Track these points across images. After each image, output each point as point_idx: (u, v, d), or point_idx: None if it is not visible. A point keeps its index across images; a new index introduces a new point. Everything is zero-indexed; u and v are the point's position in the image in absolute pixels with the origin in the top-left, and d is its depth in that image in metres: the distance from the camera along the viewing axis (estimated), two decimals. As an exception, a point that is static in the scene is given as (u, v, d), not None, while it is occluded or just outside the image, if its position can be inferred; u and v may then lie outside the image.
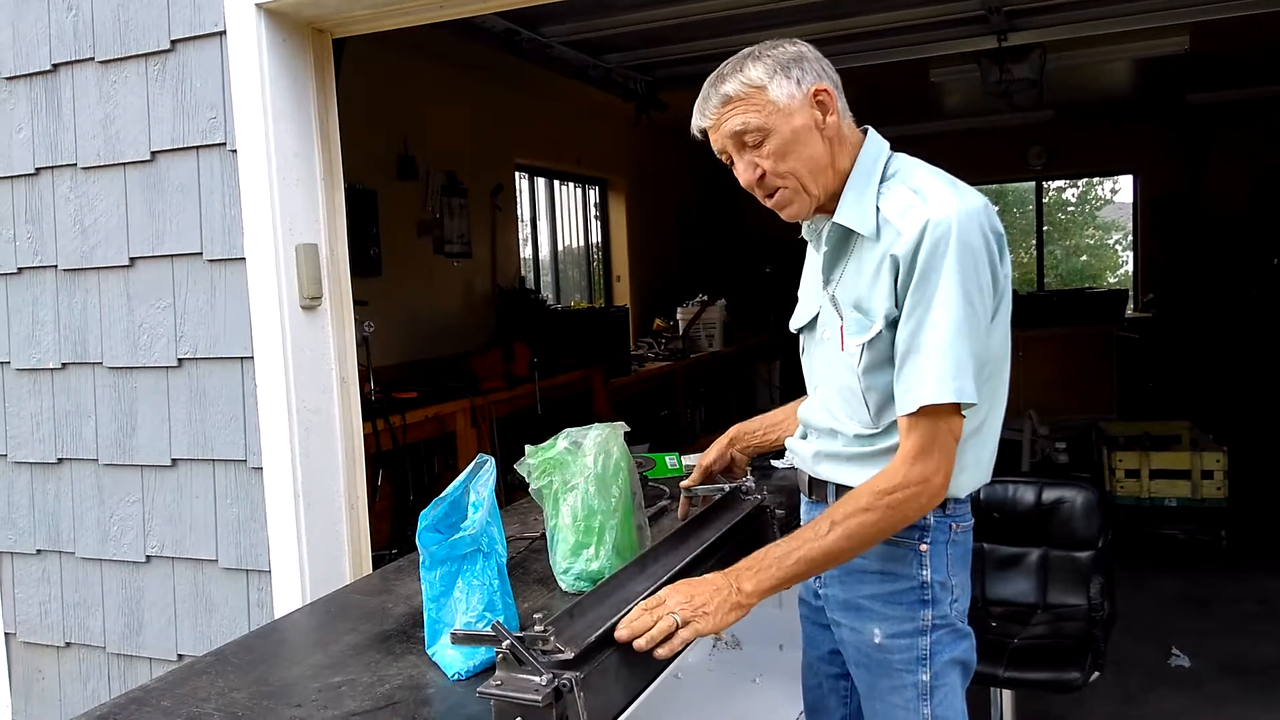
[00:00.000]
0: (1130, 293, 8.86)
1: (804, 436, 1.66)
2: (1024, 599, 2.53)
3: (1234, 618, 4.04)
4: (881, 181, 1.48)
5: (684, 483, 1.85)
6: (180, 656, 2.42)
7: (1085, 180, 14.71)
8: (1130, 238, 10.72)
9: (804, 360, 1.69)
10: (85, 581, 2.55)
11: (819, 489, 1.61)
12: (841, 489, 1.54)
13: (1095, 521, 2.44)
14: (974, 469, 1.51)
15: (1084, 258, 15.81)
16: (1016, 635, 2.38)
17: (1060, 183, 13.59)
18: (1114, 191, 15.41)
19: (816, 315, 1.61)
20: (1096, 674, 2.22)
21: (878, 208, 1.45)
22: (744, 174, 1.50)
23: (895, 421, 1.46)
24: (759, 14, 4.19)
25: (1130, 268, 10.39)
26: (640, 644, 1.26)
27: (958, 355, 1.36)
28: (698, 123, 1.52)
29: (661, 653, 1.27)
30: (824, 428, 1.58)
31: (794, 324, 1.69)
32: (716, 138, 1.50)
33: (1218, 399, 6.44)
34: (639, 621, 1.27)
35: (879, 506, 1.37)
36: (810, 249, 1.66)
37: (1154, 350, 7.29)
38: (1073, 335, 6.57)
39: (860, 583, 1.54)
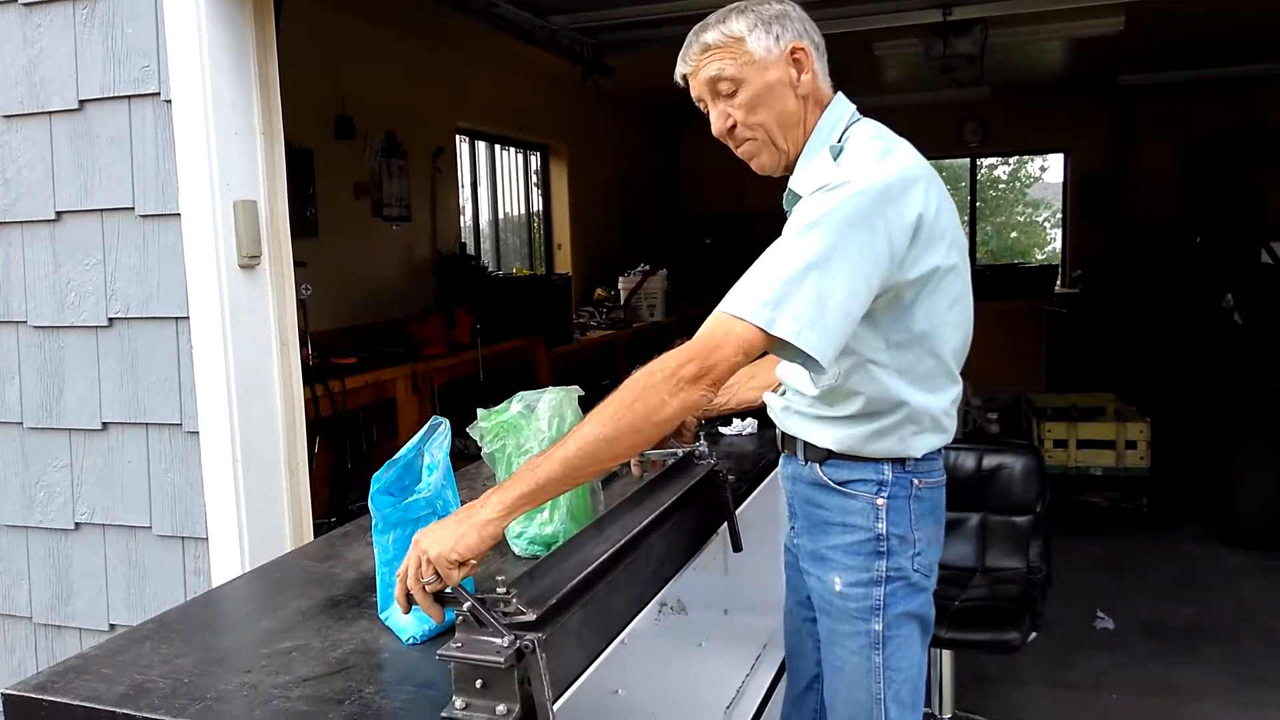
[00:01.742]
0: (1059, 269, 9.08)
1: (783, 393, 1.69)
2: (964, 563, 2.58)
3: (1155, 581, 4.20)
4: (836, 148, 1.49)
5: None
6: (113, 627, 2.34)
7: (1016, 158, 15.02)
8: (1059, 215, 10.99)
9: None
10: (9, 550, 2.45)
11: (789, 443, 1.66)
12: (809, 446, 1.60)
13: (1034, 487, 2.50)
14: (934, 431, 1.55)
15: (1014, 234, 16.18)
16: (957, 598, 2.44)
17: (992, 160, 13.84)
18: (1043, 170, 15.76)
19: None
20: (1034, 634, 2.28)
21: None
22: (716, 123, 1.55)
23: (837, 388, 1.51)
24: (706, -20, 4.15)
25: (1059, 245, 10.66)
26: (398, 594, 1.27)
27: (788, 291, 1.33)
28: (679, 69, 1.57)
29: (420, 595, 1.24)
30: (791, 385, 1.63)
31: None
32: (695, 84, 1.56)
33: (1141, 372, 6.64)
34: (401, 568, 1.27)
35: (635, 389, 1.30)
36: None
37: (1081, 325, 7.49)
38: (1004, 309, 6.70)
39: (824, 534, 1.59)
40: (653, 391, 1.30)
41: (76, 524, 2.37)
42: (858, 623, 1.55)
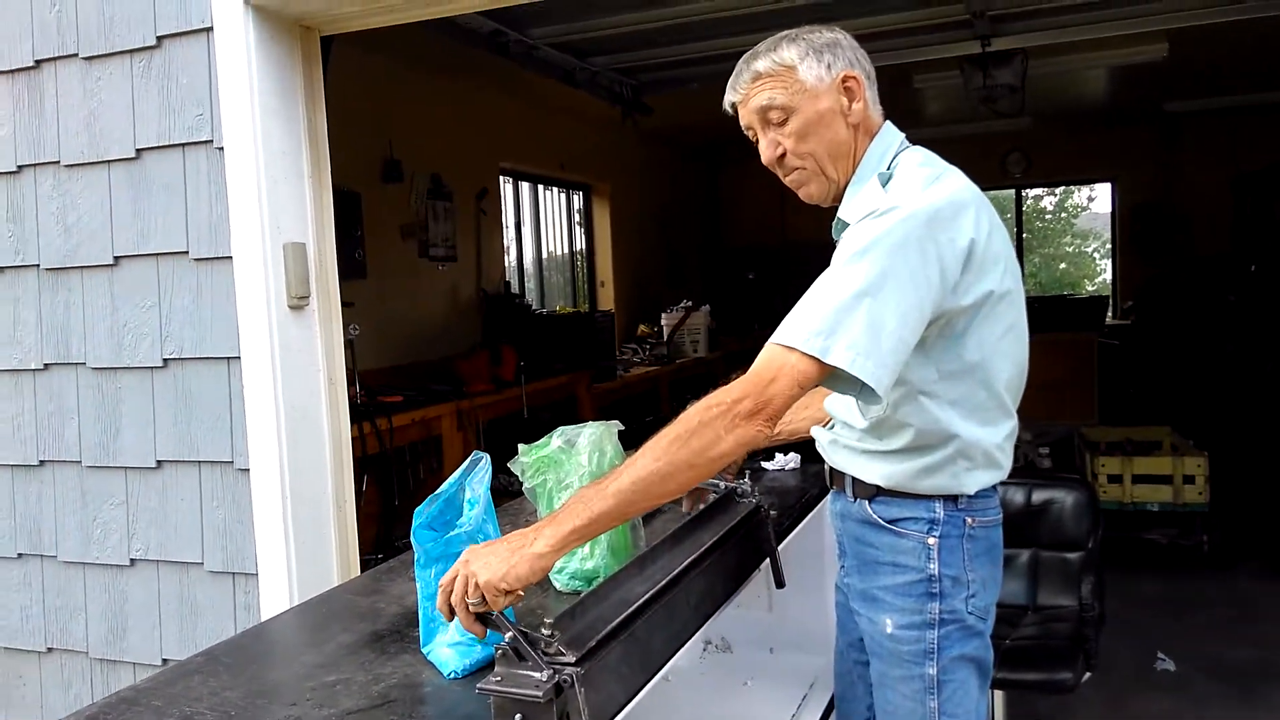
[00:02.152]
0: (1110, 300, 8.94)
1: (831, 426, 1.67)
2: (1015, 600, 2.53)
3: (1217, 621, 4.07)
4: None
5: None
6: (165, 661, 2.38)
7: (1062, 188, 14.86)
8: (1108, 245, 10.82)
9: None
10: (67, 586, 2.51)
11: (838, 479, 1.64)
12: (858, 482, 1.57)
13: (1085, 522, 2.45)
14: (987, 468, 1.51)
15: (1062, 265, 15.96)
16: (1008, 636, 2.38)
17: (1038, 190, 13.71)
18: (1091, 199, 15.57)
19: None
20: (1088, 674, 2.22)
21: None
22: (766, 151, 1.54)
23: (886, 420, 1.48)
24: (745, 18, 4.20)
25: (1109, 275, 10.49)
26: (440, 605, 1.26)
27: (841, 319, 1.31)
28: (729, 97, 1.57)
29: (462, 612, 1.23)
30: (839, 418, 1.61)
31: None
32: (744, 113, 1.56)
33: (1197, 404, 6.49)
34: (444, 579, 1.26)
35: (690, 424, 1.29)
36: None
37: (1134, 356, 7.35)
38: (1054, 341, 6.61)
39: (875, 574, 1.55)
40: (708, 428, 1.29)
41: (132, 560, 2.42)
42: (910, 666, 1.50)
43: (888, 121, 1.58)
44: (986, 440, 1.50)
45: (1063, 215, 16.61)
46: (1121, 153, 8.42)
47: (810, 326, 1.33)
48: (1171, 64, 5.39)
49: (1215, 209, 7.87)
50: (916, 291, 1.35)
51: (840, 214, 1.54)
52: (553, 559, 1.25)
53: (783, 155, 1.53)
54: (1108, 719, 3.24)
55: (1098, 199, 14.67)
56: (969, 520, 1.50)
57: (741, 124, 1.58)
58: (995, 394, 1.49)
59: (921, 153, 1.53)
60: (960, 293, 1.41)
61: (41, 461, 2.52)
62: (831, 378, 1.35)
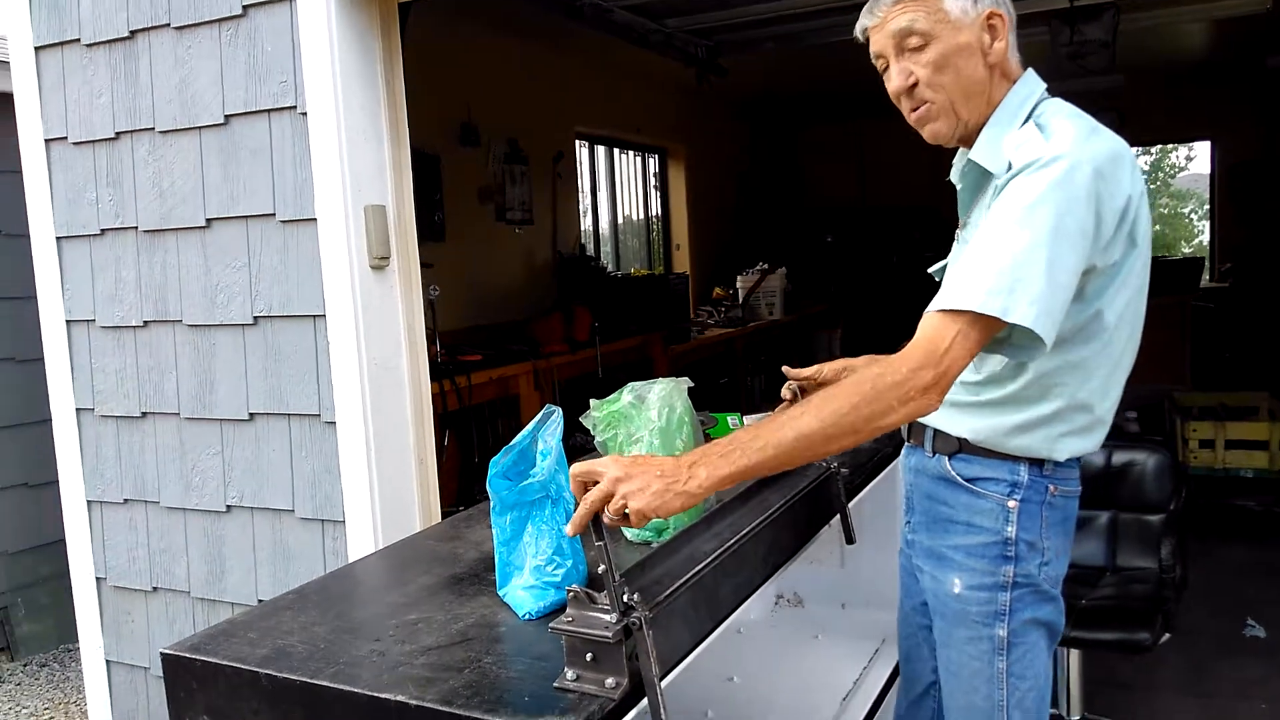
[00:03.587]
0: (1206, 262, 8.59)
1: None
2: (1092, 561, 2.49)
3: (1311, 590, 3.93)
4: (1024, 123, 1.43)
5: (792, 372, 1.76)
6: (260, 601, 2.50)
7: (1159, 148, 14.28)
8: (1206, 207, 10.37)
9: None
10: (169, 530, 2.65)
11: (917, 432, 1.60)
12: (940, 434, 1.54)
13: (1166, 484, 2.39)
14: (1082, 436, 1.47)
15: (1157, 227, 15.38)
16: (1084, 597, 2.35)
17: (1134, 150, 13.19)
18: (1190, 159, 14.94)
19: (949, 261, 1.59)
20: (1166, 635, 2.19)
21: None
22: (896, 79, 1.47)
23: (996, 373, 1.44)
24: (821, -25, 4.12)
25: (1206, 238, 10.06)
26: (580, 511, 1.19)
27: (1020, 274, 1.28)
28: (863, 22, 1.51)
29: (585, 514, 1.18)
30: None
31: (933, 268, 1.66)
32: (878, 38, 1.48)
33: (1297, 369, 6.22)
34: (577, 478, 1.21)
35: (862, 391, 1.25)
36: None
37: (1230, 320, 7.07)
38: (1147, 304, 6.40)
39: (946, 531, 1.53)
40: (880, 398, 1.25)
41: (228, 507, 2.55)
42: (978, 627, 1.49)
43: (1031, 69, 1.51)
44: (1094, 404, 1.46)
45: (1159, 175, 15.98)
46: (1221, 111, 8.04)
47: (987, 285, 1.29)
48: (1274, 16, 5.11)
49: (1321, 167, 7.47)
50: (1082, 243, 1.32)
51: (974, 156, 1.47)
52: (702, 499, 1.23)
53: (914, 85, 1.45)
54: (1189, 682, 3.18)
55: (1197, 159, 14.07)
56: (1051, 488, 1.47)
57: (872, 52, 1.51)
58: (1115, 357, 1.45)
59: (1067, 104, 1.47)
60: (1110, 249, 1.38)
61: (144, 413, 2.65)
62: (1000, 341, 1.33)
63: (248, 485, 2.50)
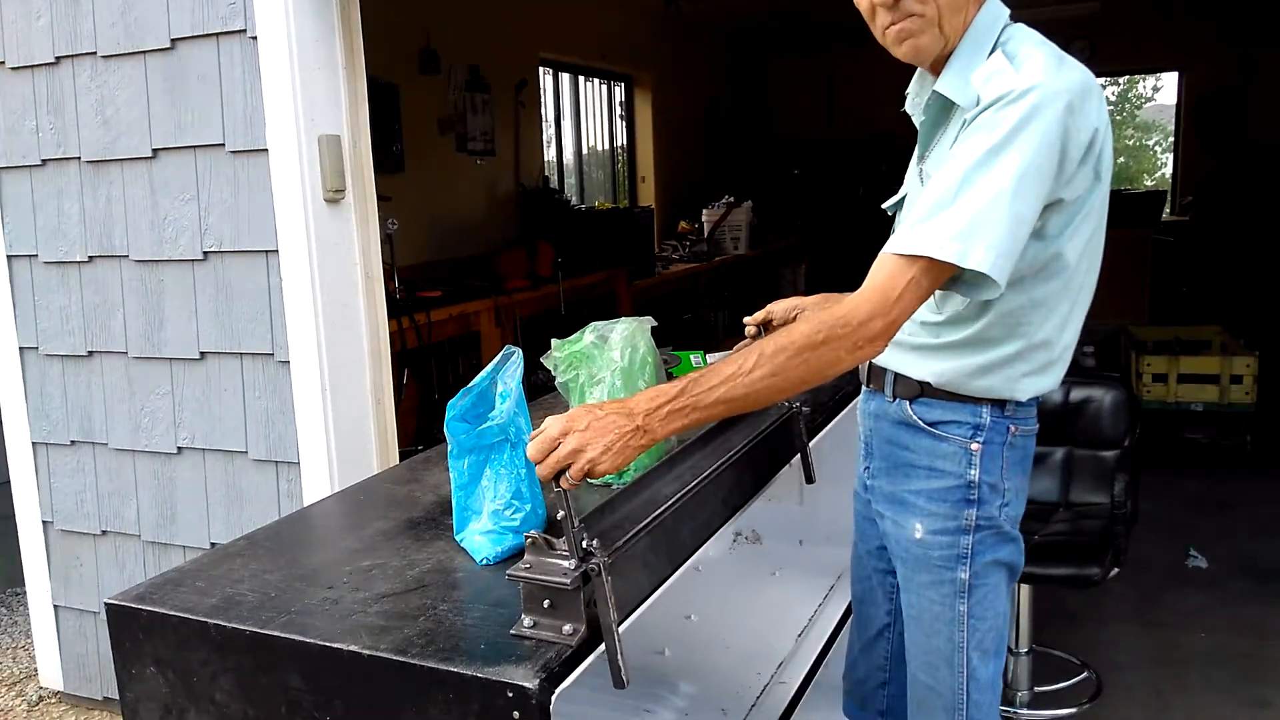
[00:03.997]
0: (1167, 195, 8.65)
1: None
2: (1046, 497, 2.53)
3: (1255, 521, 4.05)
4: (991, 52, 1.37)
5: (747, 319, 1.77)
6: (213, 545, 2.48)
7: (1126, 78, 14.25)
8: (1170, 139, 10.40)
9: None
10: (119, 472, 2.60)
11: (876, 376, 1.57)
12: (901, 378, 1.51)
13: (1122, 421, 2.42)
14: (1044, 374, 1.45)
15: (1121, 159, 15.44)
16: (1037, 533, 2.39)
17: (1101, 80, 13.16)
18: (1156, 90, 14.95)
19: (907, 195, 1.55)
20: (1116, 570, 2.23)
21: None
22: None
23: (959, 313, 1.42)
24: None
25: (1169, 170, 10.12)
26: (541, 471, 1.17)
27: (981, 217, 1.25)
28: None
29: (561, 485, 1.16)
30: None
31: (888, 203, 1.62)
32: None
33: (1252, 304, 6.32)
34: (532, 452, 1.18)
35: (813, 341, 1.24)
36: (916, 123, 1.56)
37: (1189, 254, 7.15)
38: (1107, 237, 6.44)
39: (907, 476, 1.52)
40: (830, 348, 1.24)
41: (179, 448, 2.50)
42: (940, 571, 1.48)
43: None
44: (1055, 342, 1.44)
45: (1125, 107, 15.99)
46: (1191, 40, 8.01)
47: (947, 230, 1.25)
48: (1248, -57, 5.07)
49: (1285, 100, 7.50)
50: (1048, 180, 1.29)
51: (940, 87, 1.40)
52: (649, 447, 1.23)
53: None
54: (1135, 612, 3.27)
55: (1163, 90, 14.08)
56: (1012, 429, 1.46)
57: None
58: (1075, 294, 1.43)
59: (1032, 30, 1.41)
60: (1074, 183, 1.34)
61: (90, 352, 2.58)
62: (954, 280, 1.30)
63: (199, 426, 2.46)
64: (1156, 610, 3.31)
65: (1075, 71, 1.34)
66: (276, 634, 1.21)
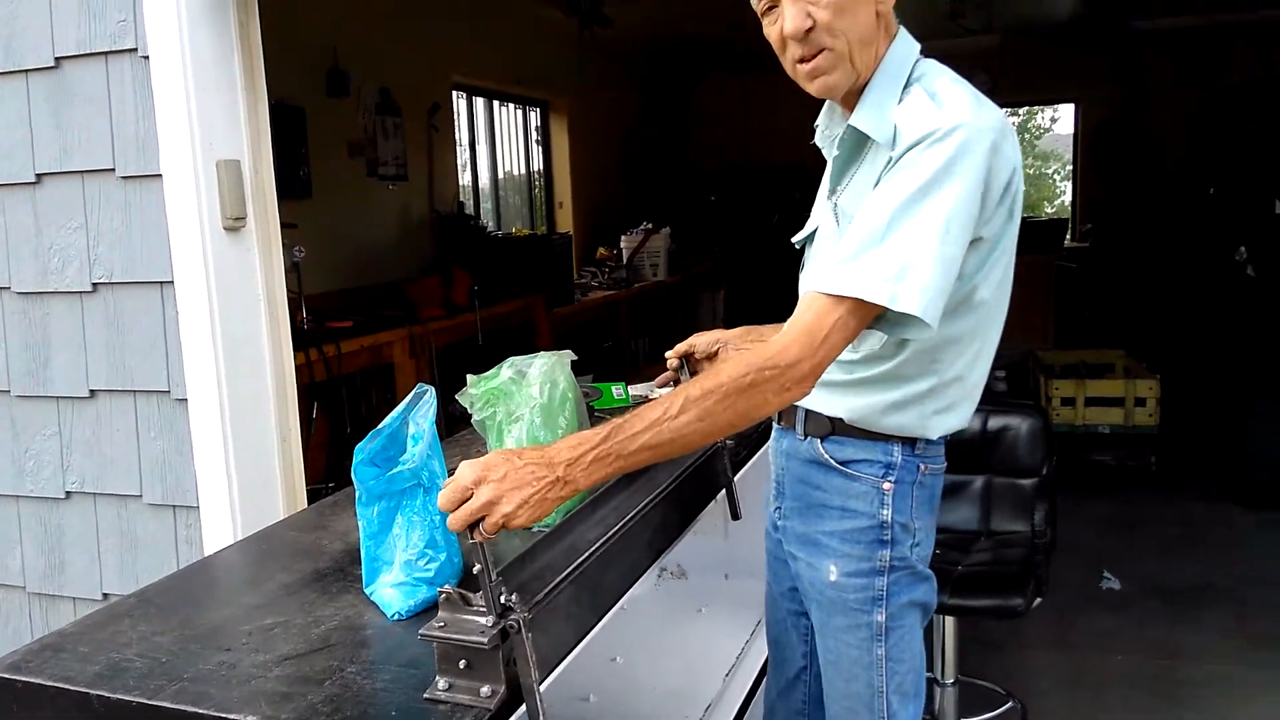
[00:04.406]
0: (1069, 222, 8.96)
1: None
2: (967, 526, 2.54)
3: (1163, 541, 4.17)
4: (905, 87, 1.36)
5: (669, 353, 1.74)
6: (105, 595, 2.32)
7: (1025, 109, 14.81)
8: (1069, 168, 10.81)
9: (801, 277, 1.57)
10: (2, 519, 2.42)
11: (788, 414, 1.54)
12: (813, 415, 1.48)
13: (1039, 449, 2.44)
14: (955, 411, 1.44)
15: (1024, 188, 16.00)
16: (960, 563, 2.40)
17: (1002, 110, 13.63)
18: (1054, 120, 15.56)
19: (818, 229, 1.52)
20: (1039, 600, 2.25)
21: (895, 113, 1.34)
22: (793, 21, 1.32)
23: (874, 351, 1.40)
24: (707, -73, 4.02)
25: (1068, 198, 10.51)
26: (452, 523, 1.10)
27: (910, 259, 1.23)
28: None
29: (475, 538, 1.09)
30: None
31: (797, 237, 1.59)
32: None
33: (1152, 328, 6.57)
34: (444, 501, 1.11)
35: (739, 385, 1.20)
36: (826, 156, 1.54)
37: (1091, 280, 7.40)
38: (1015, 263, 6.62)
39: (819, 517, 1.48)
40: (757, 391, 1.21)
41: (67, 493, 2.34)
42: (856, 614, 1.45)
43: (903, 27, 1.43)
44: (967, 378, 1.43)
45: (1026, 136, 16.60)
46: (1086, 72, 8.35)
47: (877, 271, 1.22)
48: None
49: (1177, 131, 7.85)
50: (973, 220, 1.28)
51: (856, 122, 1.37)
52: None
53: (811, 28, 1.32)
54: (1054, 637, 3.32)
55: (1061, 120, 14.66)
56: (922, 467, 1.44)
57: None
58: (986, 330, 1.42)
59: (943, 66, 1.40)
60: (992, 221, 1.33)
61: (-32, 391, 2.40)
62: (879, 319, 1.27)
63: (89, 469, 2.30)
64: (1074, 633, 3.36)
65: (994, 110, 1.34)
66: (166, 704, 1.11)
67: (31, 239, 2.27)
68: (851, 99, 1.40)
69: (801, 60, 1.36)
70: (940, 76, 1.37)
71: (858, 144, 1.41)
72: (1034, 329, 6.43)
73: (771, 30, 1.37)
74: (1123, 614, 3.50)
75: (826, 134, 1.52)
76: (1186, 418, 5.24)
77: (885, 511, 1.43)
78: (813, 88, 1.39)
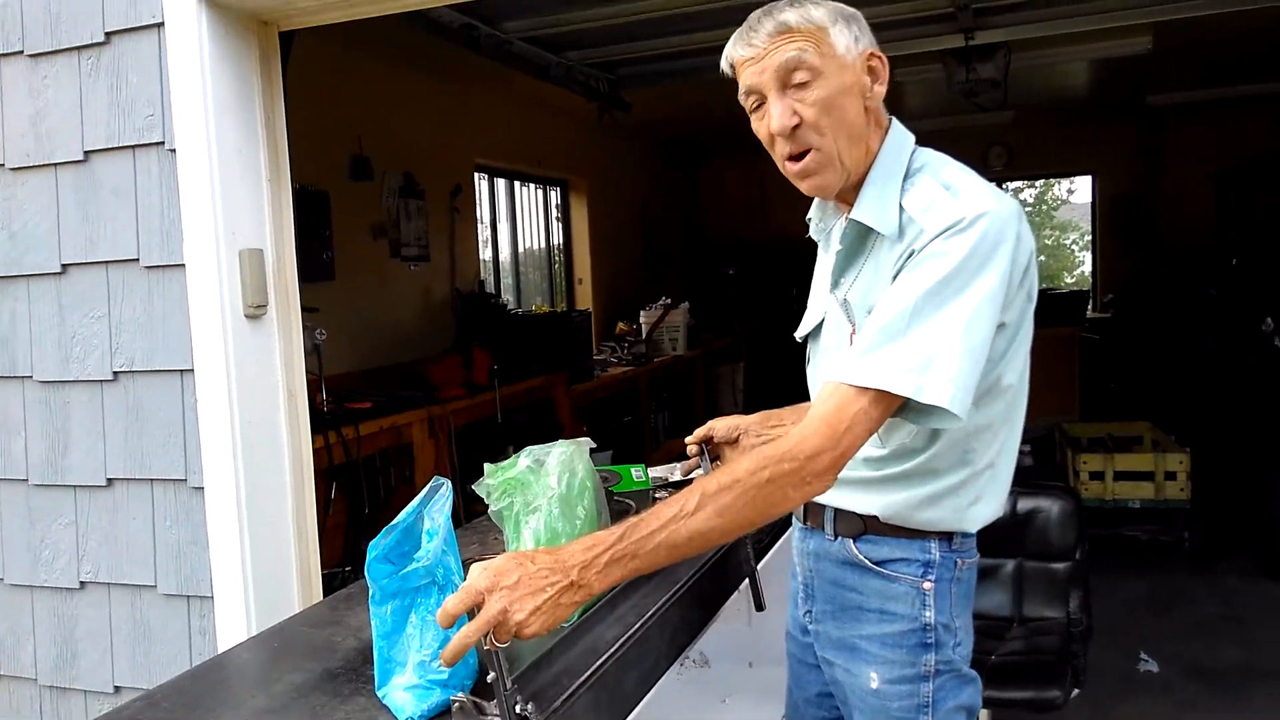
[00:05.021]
0: (1090, 294, 8.92)
1: None
2: (999, 612, 2.46)
3: (1199, 620, 4.04)
4: (906, 177, 1.34)
5: (688, 439, 1.69)
6: (117, 689, 2.28)
7: (1043, 181, 14.88)
8: (1088, 238, 10.81)
9: (809, 371, 1.55)
10: (15, 609, 2.39)
11: (814, 513, 1.49)
12: (843, 515, 1.43)
13: (1072, 532, 2.38)
14: (989, 500, 1.40)
15: (1042, 258, 16.01)
16: (993, 651, 2.32)
17: (1019, 183, 13.72)
18: (1070, 192, 15.63)
19: (823, 321, 1.49)
20: (1076, 691, 2.16)
21: (901, 205, 1.32)
22: (779, 119, 1.32)
23: (904, 445, 1.36)
24: (723, 10, 4.10)
25: (1088, 268, 10.48)
26: (465, 635, 1.06)
27: (936, 350, 1.21)
28: (738, 53, 1.34)
29: (487, 645, 1.06)
30: None
31: (799, 331, 1.56)
32: (753, 72, 1.32)
33: (1179, 400, 6.47)
34: (454, 607, 1.07)
35: (758, 481, 1.17)
36: (820, 250, 1.53)
37: (1115, 351, 7.33)
38: (1036, 336, 6.57)
39: (856, 620, 1.43)
40: (777, 486, 1.18)
41: (81, 583, 2.31)
42: None
43: (895, 118, 1.42)
44: (999, 465, 1.39)
45: (1042, 208, 16.66)
46: (1103, 146, 8.40)
47: (901, 363, 1.20)
48: (1155, 57, 5.34)
49: (1196, 203, 7.85)
50: (998, 307, 1.26)
51: (859, 216, 1.36)
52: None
53: (797, 126, 1.31)
54: (1093, 725, 3.20)
55: (1078, 191, 14.72)
56: (960, 562, 1.39)
57: (742, 87, 1.35)
58: (1014, 416, 1.39)
59: (942, 154, 1.39)
60: (1012, 307, 1.31)
61: (-12, 478, 2.40)
62: (907, 410, 1.24)
63: (104, 558, 2.28)
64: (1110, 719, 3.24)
65: (1008, 198, 1.33)
66: (168, 822, 1.06)
67: (55, 328, 2.29)
68: (849, 194, 1.39)
69: (791, 158, 1.36)
70: (946, 166, 1.36)
71: (860, 238, 1.40)
72: (1059, 402, 6.35)
73: (760, 127, 1.37)
74: (1163, 698, 3.37)
75: (820, 227, 1.52)
76: (1217, 491, 5.12)
77: (928, 613, 1.37)
78: (804, 186, 1.39)
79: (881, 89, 1.36)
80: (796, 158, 1.35)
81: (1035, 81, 6.30)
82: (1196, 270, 7.30)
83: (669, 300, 7.18)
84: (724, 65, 1.38)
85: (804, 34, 1.30)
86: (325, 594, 2.19)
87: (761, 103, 1.35)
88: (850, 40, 1.32)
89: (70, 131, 2.24)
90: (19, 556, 2.37)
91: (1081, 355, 6.76)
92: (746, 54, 1.33)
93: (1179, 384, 6.69)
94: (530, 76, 4.72)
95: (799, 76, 1.30)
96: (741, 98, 1.38)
